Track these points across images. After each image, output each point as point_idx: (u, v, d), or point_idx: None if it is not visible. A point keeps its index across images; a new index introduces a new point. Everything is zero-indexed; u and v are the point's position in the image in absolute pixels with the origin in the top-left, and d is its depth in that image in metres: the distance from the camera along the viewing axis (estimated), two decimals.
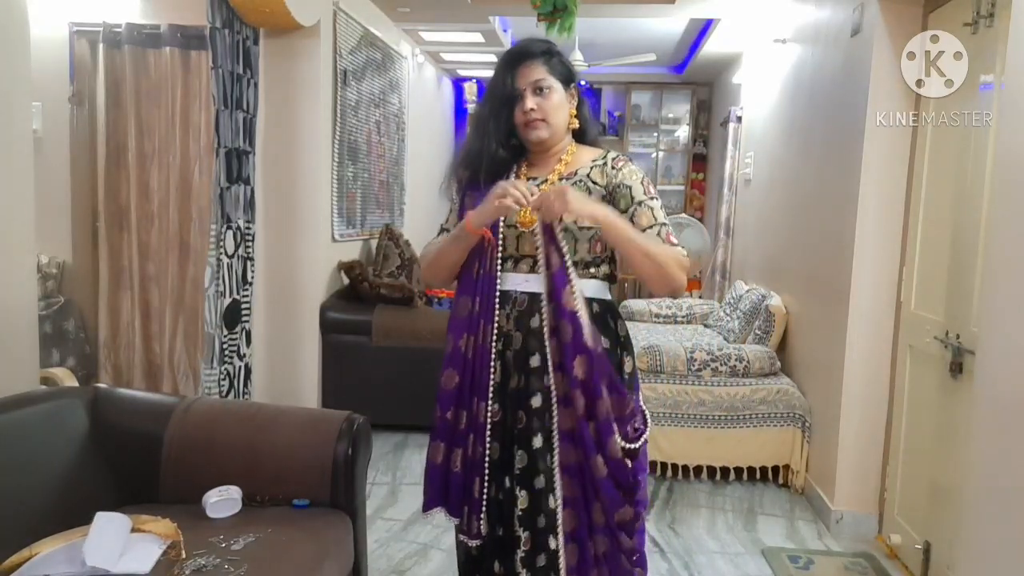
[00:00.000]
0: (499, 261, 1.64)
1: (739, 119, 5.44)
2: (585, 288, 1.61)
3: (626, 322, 1.80)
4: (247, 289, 3.27)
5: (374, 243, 4.69)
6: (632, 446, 1.59)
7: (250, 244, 3.28)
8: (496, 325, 1.63)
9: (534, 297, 1.63)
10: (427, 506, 1.72)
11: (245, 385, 3.28)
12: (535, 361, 1.62)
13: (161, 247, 3.56)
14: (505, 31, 5.64)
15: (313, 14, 3.44)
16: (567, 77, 1.70)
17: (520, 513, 1.60)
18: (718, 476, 3.50)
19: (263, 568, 1.63)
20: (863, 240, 2.88)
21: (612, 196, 1.67)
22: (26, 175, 2.13)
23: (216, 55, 2.93)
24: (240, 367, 3.24)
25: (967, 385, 2.32)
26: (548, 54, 1.68)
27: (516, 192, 1.54)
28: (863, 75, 2.85)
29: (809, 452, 3.39)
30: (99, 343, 3.63)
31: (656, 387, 3.50)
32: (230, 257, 3.12)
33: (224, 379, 3.11)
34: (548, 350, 1.59)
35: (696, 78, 7.36)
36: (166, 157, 3.50)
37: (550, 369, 1.59)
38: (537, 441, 1.59)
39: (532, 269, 1.65)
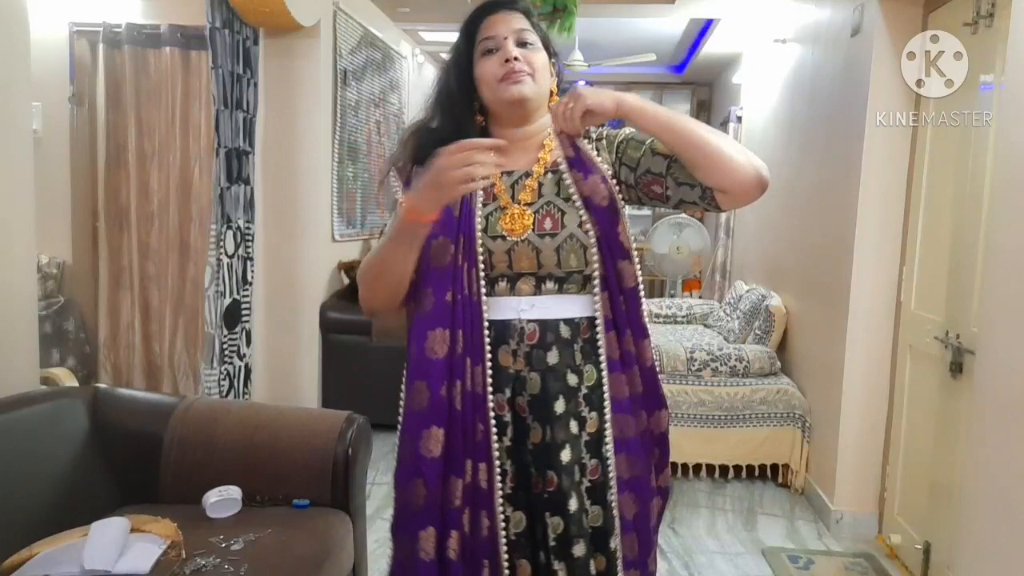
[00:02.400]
0: (483, 283, 1.27)
1: (739, 119, 5.43)
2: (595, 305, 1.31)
3: None
4: (247, 289, 3.27)
5: (374, 243, 4.68)
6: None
7: (250, 244, 3.28)
8: (490, 365, 1.27)
9: (547, 325, 1.29)
10: None
11: (245, 385, 3.28)
12: (559, 407, 1.28)
13: (161, 247, 3.56)
14: None
15: (313, 14, 3.44)
16: (548, 47, 1.35)
17: None
18: (717, 475, 3.51)
19: (263, 568, 1.63)
20: (863, 240, 2.88)
21: (622, 150, 1.32)
22: (26, 175, 2.12)
23: (216, 55, 2.93)
24: (240, 367, 3.23)
25: (967, 385, 2.32)
26: (528, 13, 1.33)
27: (479, 155, 1.11)
28: (863, 75, 2.84)
29: (809, 452, 3.39)
30: (99, 343, 3.64)
31: None
32: (230, 257, 3.12)
33: (224, 379, 3.11)
34: (606, 380, 1.30)
35: (696, 78, 7.36)
36: (166, 157, 3.51)
37: (607, 405, 1.30)
38: (573, 504, 1.27)
39: (538, 288, 1.29)
